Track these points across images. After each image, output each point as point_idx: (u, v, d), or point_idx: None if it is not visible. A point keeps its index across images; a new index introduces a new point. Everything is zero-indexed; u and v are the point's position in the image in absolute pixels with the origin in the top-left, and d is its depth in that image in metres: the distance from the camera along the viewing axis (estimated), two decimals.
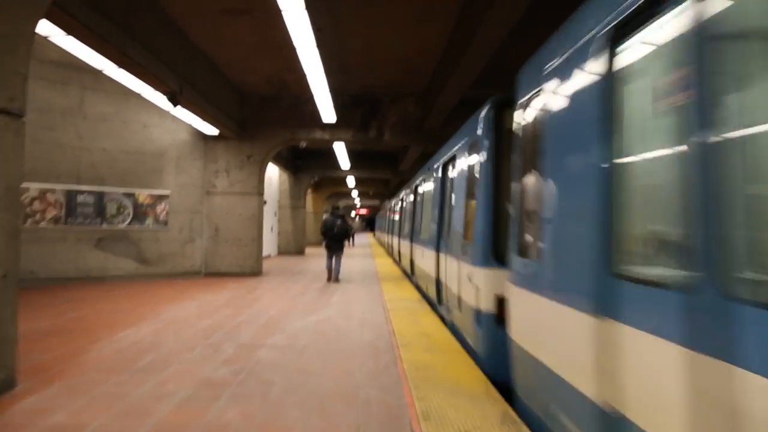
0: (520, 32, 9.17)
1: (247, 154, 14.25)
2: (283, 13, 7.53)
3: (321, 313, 8.30)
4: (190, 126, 13.72)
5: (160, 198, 13.31)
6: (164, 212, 13.38)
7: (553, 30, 3.51)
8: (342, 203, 52.72)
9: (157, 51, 8.59)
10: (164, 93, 9.37)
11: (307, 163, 24.52)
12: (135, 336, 6.48)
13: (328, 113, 13.20)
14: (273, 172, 23.08)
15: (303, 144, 14.59)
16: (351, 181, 31.05)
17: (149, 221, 13.13)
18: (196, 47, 10.59)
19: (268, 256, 21.97)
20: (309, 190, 32.94)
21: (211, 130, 13.43)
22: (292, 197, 24.70)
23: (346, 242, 42.71)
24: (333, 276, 13.19)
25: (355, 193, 42.45)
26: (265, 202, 20.48)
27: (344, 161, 22.03)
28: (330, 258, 13.20)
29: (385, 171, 25.08)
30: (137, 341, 6.21)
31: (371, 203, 56.00)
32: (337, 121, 14.08)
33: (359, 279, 13.75)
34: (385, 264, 19.24)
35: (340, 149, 18.60)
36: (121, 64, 7.88)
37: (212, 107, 11.58)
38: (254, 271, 14.14)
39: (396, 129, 14.30)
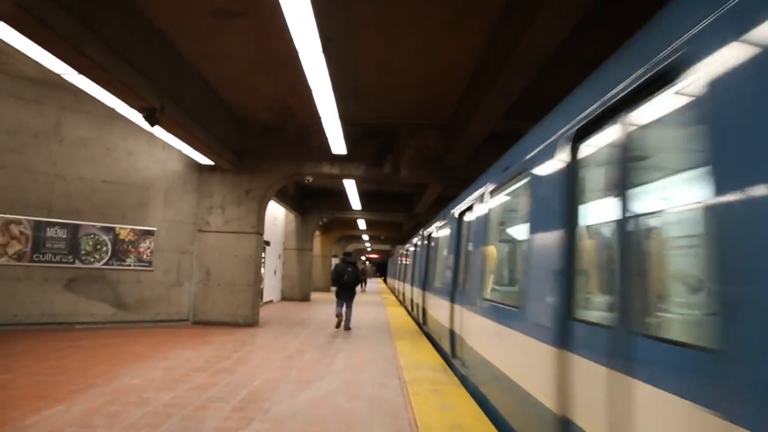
0: (558, 58, 7.66)
1: (245, 188, 12.70)
2: (285, 15, 6.07)
3: (320, 386, 6.49)
4: (182, 155, 12.25)
5: (145, 235, 11.72)
6: (148, 251, 11.76)
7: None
8: (352, 247, 51.01)
9: (129, 56, 7.10)
10: (140, 109, 7.87)
11: (316, 203, 22.99)
12: (54, 421, 4.72)
13: (338, 145, 11.68)
14: (278, 212, 21.55)
15: (309, 179, 13.05)
16: (362, 223, 29.44)
17: (131, 261, 11.50)
18: (184, 59, 9.16)
19: (270, 302, 20.20)
20: (317, 233, 31.42)
21: (206, 160, 11.94)
22: (298, 239, 23.06)
23: (359, 287, 41.00)
24: (344, 324, 12.59)
25: (365, 237, 40.76)
26: (267, 244, 18.89)
27: (355, 201, 20.46)
28: (340, 305, 12.62)
29: (399, 214, 23.46)
30: None
31: (382, 248, 54.19)
32: (348, 154, 12.56)
33: (369, 333, 11.92)
34: (398, 315, 17.38)
35: (350, 188, 17.05)
36: (78, 66, 6.37)
37: (203, 131, 10.08)
38: (249, 321, 12.37)
39: (414, 165, 12.74)
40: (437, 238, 11.58)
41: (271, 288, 20.46)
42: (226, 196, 12.67)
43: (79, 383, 6.05)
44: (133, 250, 11.54)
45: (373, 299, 25.93)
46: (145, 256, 11.70)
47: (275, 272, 21.20)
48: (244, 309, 12.38)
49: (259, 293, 13.00)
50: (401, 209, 23.30)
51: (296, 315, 15.83)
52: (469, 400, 5.89)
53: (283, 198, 18.67)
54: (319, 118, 10.27)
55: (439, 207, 15.43)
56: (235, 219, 12.60)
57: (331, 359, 8.38)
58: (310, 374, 7.16)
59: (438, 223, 11.52)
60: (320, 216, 23.32)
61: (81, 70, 6.55)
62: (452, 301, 8.17)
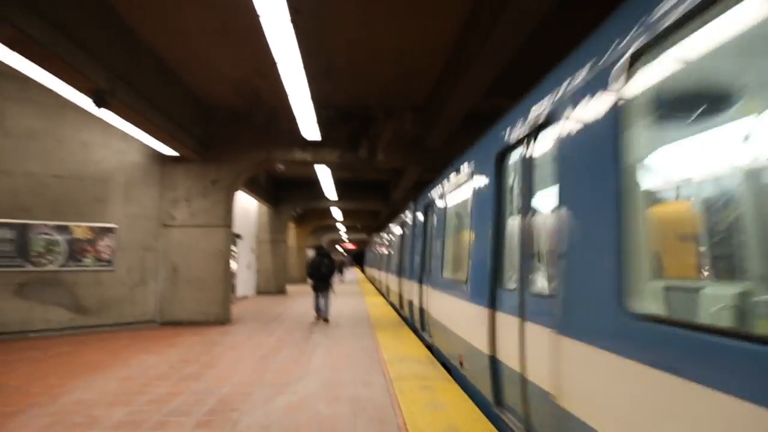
0: (539, 35, 7.08)
1: (211, 178, 11.91)
2: None
3: (296, 389, 5.84)
4: (142, 146, 11.39)
5: (104, 232, 10.87)
6: (108, 249, 10.91)
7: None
8: (327, 237, 50.25)
9: (71, 30, 6.30)
10: (88, 92, 7.07)
11: (289, 194, 22.20)
12: None
13: (310, 129, 10.97)
14: (250, 203, 20.71)
15: (280, 167, 12.33)
16: (337, 213, 28.73)
17: (89, 261, 10.66)
18: (137, 36, 8.34)
19: (245, 297, 19.42)
20: (292, 224, 30.62)
21: (169, 150, 11.12)
22: (272, 231, 22.26)
23: (338, 277, 40.28)
24: (322, 316, 12.48)
25: (342, 227, 40.06)
26: (239, 237, 18.09)
27: (330, 191, 19.75)
28: (317, 298, 12.61)
29: (375, 201, 22.82)
30: None
31: (359, 237, 53.52)
32: (321, 139, 11.86)
33: (349, 325, 11.30)
34: (377, 304, 16.79)
35: (325, 176, 16.33)
36: (7, 39, 5.56)
37: (162, 117, 9.28)
38: (221, 318, 11.64)
39: (391, 148, 12.09)
40: (407, 228, 12.39)
41: (245, 282, 19.68)
42: (192, 188, 11.87)
43: (15, 404, 5.28)
44: (91, 249, 10.68)
45: (351, 289, 25.31)
46: (104, 255, 10.85)
47: (248, 266, 20.40)
48: (215, 306, 11.64)
49: (231, 289, 12.25)
50: (378, 197, 22.67)
51: (272, 309, 15.12)
52: (462, 398, 5.32)
53: (254, 189, 17.86)
54: (289, 101, 9.56)
55: (416, 193, 14.93)
56: (201, 211, 11.81)
57: (309, 356, 7.74)
58: (286, 375, 6.51)
59: (406, 215, 12.56)
60: (294, 207, 22.53)
61: (12, 44, 5.73)
62: (420, 282, 9.70)
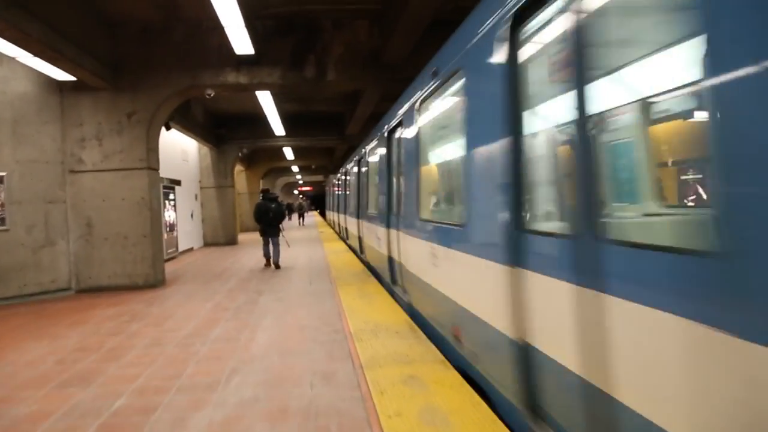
0: None
1: (126, 111, 9.67)
2: None
3: (225, 395, 4.07)
4: (31, 72, 9.02)
5: None
6: None
7: None
8: (282, 181, 47.92)
9: None
10: None
11: (233, 132, 19.84)
12: None
13: (242, 43, 8.82)
14: (188, 145, 18.35)
15: (210, 93, 10.12)
16: (289, 153, 26.48)
17: None
18: None
19: (190, 250, 17.41)
20: (242, 168, 28.31)
21: (64, 75, 8.81)
22: (216, 175, 20.00)
23: (298, 222, 38.50)
24: (273, 262, 12.03)
25: (296, 168, 37.77)
26: (177, 183, 15.88)
27: (278, 126, 17.55)
28: (266, 245, 12.25)
29: (329, 137, 20.74)
30: None
31: (314, 179, 51.27)
32: (257, 56, 9.71)
33: (305, 279, 9.58)
34: (338, 251, 15.10)
35: (269, 107, 14.13)
36: None
37: (40, 26, 6.98)
38: (151, 280, 9.71)
39: (343, 65, 10.04)
40: (369, 162, 10.65)
41: (189, 233, 17.61)
42: (102, 123, 9.62)
43: None
44: None
45: (309, 235, 23.51)
46: None
47: (192, 215, 18.27)
48: (142, 266, 9.68)
49: (172, 243, 10.27)
50: (332, 132, 20.57)
51: (218, 264, 13.24)
52: (471, 397, 3.66)
53: (190, 127, 15.54)
54: (214, 8, 7.37)
55: (373, 125, 12.96)
56: (117, 152, 9.63)
57: (252, 332, 5.98)
58: (214, 368, 4.73)
59: (368, 145, 10.48)
60: (239, 147, 20.21)
61: None
62: (388, 226, 7.87)
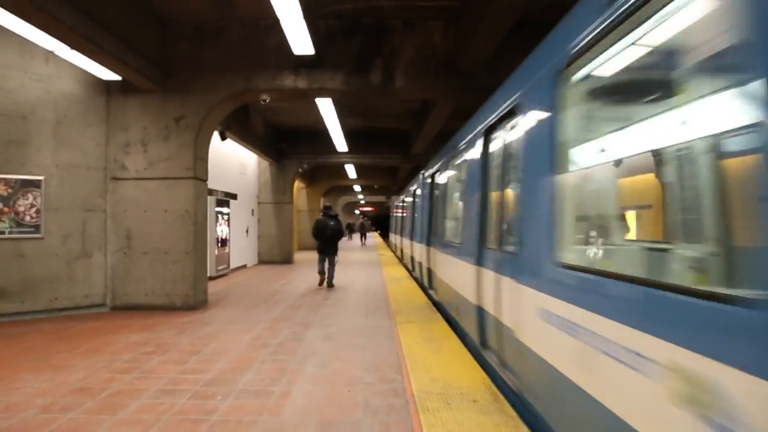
0: None
1: (175, 115, 8.89)
2: None
3: None
4: (77, 71, 8.40)
5: (26, 186, 7.98)
6: (33, 210, 8.05)
7: None
8: (343, 200, 47.40)
9: None
10: None
11: (293, 147, 19.09)
12: None
13: (301, 43, 7.86)
14: (248, 158, 17.73)
15: (266, 98, 9.21)
16: (351, 171, 25.63)
17: (4, 225, 7.81)
18: None
19: (242, 267, 16.63)
20: (303, 185, 27.76)
21: (110, 74, 8.11)
22: (274, 191, 19.28)
23: (359, 241, 38.33)
24: (327, 281, 11.97)
25: (357, 188, 37.00)
26: (233, 197, 15.15)
27: (339, 141, 16.63)
28: (322, 261, 12.02)
29: (394, 155, 19.64)
30: None
31: (376, 199, 50.48)
32: (318, 59, 8.76)
33: (360, 311, 8.39)
34: (398, 278, 13.86)
35: (329, 116, 13.19)
36: None
37: (96, 27, 6.23)
38: (190, 302, 8.78)
39: (414, 70, 8.91)
40: (451, 173, 8.50)
41: (243, 250, 16.84)
42: (148, 128, 8.87)
43: None
44: (6, 209, 7.82)
45: (368, 257, 22.40)
46: (27, 218, 7.98)
47: (247, 231, 17.54)
48: (181, 286, 8.77)
49: (205, 262, 9.37)
50: (396, 150, 19.47)
51: (269, 285, 12.26)
52: None
53: (249, 140, 14.84)
54: (272, 6, 6.44)
55: (441, 144, 11.72)
56: (163, 159, 8.84)
57: (288, 384, 4.77)
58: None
59: (452, 151, 8.32)
60: (300, 162, 19.45)
61: None
62: (479, 263, 5.51)
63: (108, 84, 8.77)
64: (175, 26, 8.93)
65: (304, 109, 15.02)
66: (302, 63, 8.83)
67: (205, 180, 9.34)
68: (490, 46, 8.07)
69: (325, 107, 11.50)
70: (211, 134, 9.54)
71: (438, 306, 8.99)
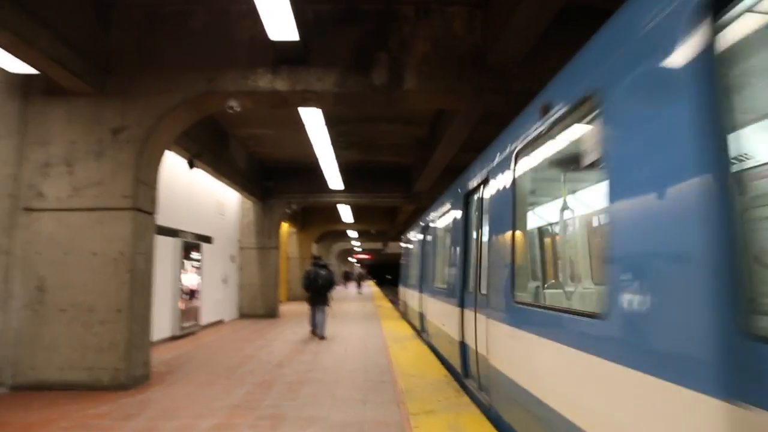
0: None
1: (112, 125, 6.70)
2: None
3: None
4: None
5: None
6: None
7: None
8: (338, 247, 45.03)
9: None
10: None
11: (282, 185, 16.92)
12: None
13: (281, 26, 5.76)
14: (229, 196, 15.49)
15: (234, 105, 7.02)
16: (347, 215, 23.43)
17: None
18: None
19: (219, 323, 14.15)
20: (294, 230, 25.50)
21: (25, 67, 5.94)
22: (259, 234, 16.93)
23: (355, 290, 38.03)
24: (318, 333, 11.43)
25: (353, 234, 34.70)
26: (206, 240, 12.83)
27: (333, 175, 14.48)
28: (314, 313, 11.54)
29: (394, 194, 17.47)
30: None
31: (372, 246, 48.09)
32: (304, 53, 6.68)
33: (353, 395, 5.98)
34: (401, 337, 11.44)
35: (322, 146, 11.06)
36: None
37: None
38: (122, 377, 6.33)
39: (430, 67, 6.80)
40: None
41: (218, 303, 14.37)
42: (77, 143, 6.64)
43: None
44: None
45: (364, 309, 19.88)
46: None
47: (225, 280, 15.11)
48: (110, 355, 6.35)
49: (146, 322, 7.00)
50: (396, 188, 17.30)
51: (242, 347, 9.81)
52: None
53: (228, 174, 12.68)
54: None
55: (449, 182, 9.55)
56: (93, 184, 6.58)
57: None
58: None
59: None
60: (288, 201, 17.20)
61: None
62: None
63: (25, 86, 6.60)
64: (121, 10, 6.85)
65: (293, 139, 12.95)
66: (283, 58, 6.71)
67: (151, 213, 7.06)
68: (529, 38, 6.06)
69: (313, 123, 9.27)
70: (162, 153, 7.31)
71: (456, 375, 6.69)
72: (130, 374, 6.42)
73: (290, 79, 6.74)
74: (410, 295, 14.21)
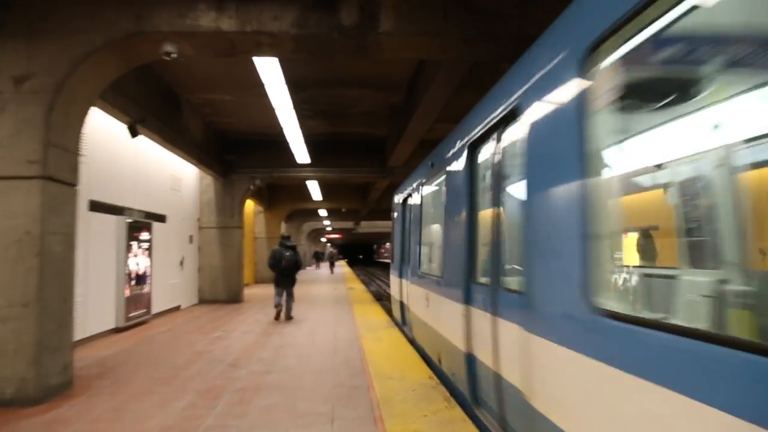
0: None
1: (15, 72, 5.34)
2: None
3: None
4: None
5: None
6: None
7: None
8: (309, 226, 43.65)
9: None
10: None
11: (245, 160, 15.53)
12: None
13: None
14: (186, 171, 14.06)
15: (170, 51, 5.70)
16: (316, 192, 22.15)
17: None
18: None
19: (176, 309, 12.89)
20: (261, 209, 24.14)
21: None
22: (220, 212, 15.56)
23: (331, 270, 37.33)
24: (285, 314, 11.28)
25: (324, 213, 33.41)
26: (159, 219, 11.47)
27: (299, 148, 13.20)
28: (279, 294, 11.23)
29: (367, 168, 16.27)
30: None
31: (344, 226, 46.86)
32: None
33: (318, 407, 4.87)
34: (376, 326, 10.37)
35: (284, 109, 9.79)
36: None
37: None
38: (30, 389, 5.05)
39: (409, 6, 5.57)
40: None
41: (174, 288, 13.05)
42: None
43: None
44: None
45: (336, 293, 18.73)
46: None
47: (182, 263, 13.76)
48: (14, 362, 5.07)
49: (67, 318, 5.73)
50: (369, 162, 16.09)
51: (195, 340, 8.61)
52: None
53: (183, 145, 11.32)
54: None
55: (425, 155, 8.20)
56: None
57: None
58: None
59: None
60: (251, 177, 15.83)
61: None
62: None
63: None
64: None
65: (255, 107, 11.62)
66: None
67: (70, 183, 5.75)
68: None
69: (272, 79, 7.95)
70: (84, 111, 5.96)
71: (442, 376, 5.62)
72: (42, 384, 5.16)
73: (239, 18, 5.46)
74: (397, 285, 12.54)
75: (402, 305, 9.31)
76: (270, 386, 5.65)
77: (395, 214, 11.09)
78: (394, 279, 11.08)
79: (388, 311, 12.86)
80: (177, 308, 13.19)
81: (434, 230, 6.70)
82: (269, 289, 12.94)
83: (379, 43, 5.74)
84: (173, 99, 10.85)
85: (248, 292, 17.91)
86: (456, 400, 4.98)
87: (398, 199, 10.46)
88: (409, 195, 8.80)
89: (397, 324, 10.27)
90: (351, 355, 7.30)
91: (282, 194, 24.97)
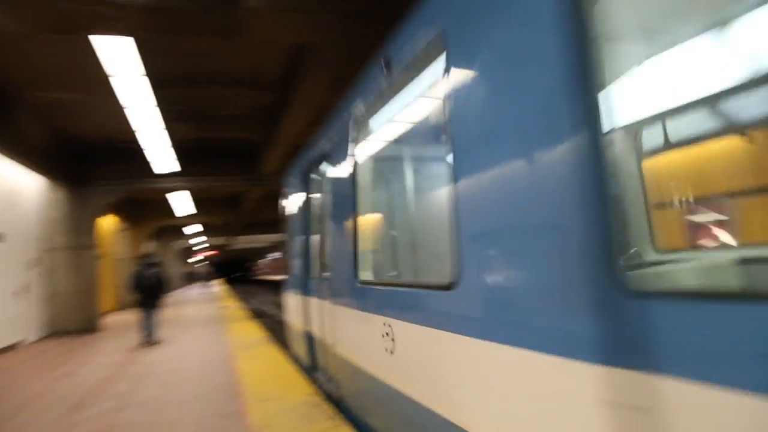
0: None
1: None
2: None
3: None
4: None
5: None
6: None
7: None
8: (181, 244, 40.85)
9: None
10: None
11: (101, 171, 13.87)
12: None
13: None
14: (28, 183, 12.14)
15: None
16: (185, 202, 20.50)
17: None
18: None
19: (13, 347, 11.01)
20: (124, 227, 21.98)
21: None
22: (71, 231, 13.66)
23: (202, 287, 35.61)
24: (150, 338, 10.24)
25: (196, 228, 31.31)
26: None
27: (160, 155, 11.97)
28: (147, 319, 10.31)
29: (237, 176, 15.25)
30: None
31: (218, 242, 44.51)
32: None
33: None
34: (250, 344, 9.48)
35: (145, 124, 8.67)
36: None
37: None
38: None
39: None
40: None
41: (10, 322, 11.14)
42: None
43: None
44: None
45: (206, 313, 17.33)
46: None
47: (20, 293, 11.79)
48: None
49: None
50: (240, 170, 15.11)
51: (30, 383, 7.21)
52: None
53: (20, 152, 9.70)
54: None
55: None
56: None
57: None
58: None
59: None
60: (107, 190, 14.13)
61: None
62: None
63: None
64: None
65: (108, 109, 10.18)
66: None
67: None
68: None
69: (119, 63, 6.84)
70: None
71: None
72: None
73: None
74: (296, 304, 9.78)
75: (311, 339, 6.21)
76: (121, 427, 4.67)
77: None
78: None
79: (268, 328, 11.97)
80: (15, 345, 11.27)
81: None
82: (133, 316, 11.52)
83: (248, 21, 5.06)
84: (5, 98, 9.26)
85: (110, 319, 16.03)
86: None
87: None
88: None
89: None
90: (222, 379, 6.44)
91: (149, 210, 22.95)
